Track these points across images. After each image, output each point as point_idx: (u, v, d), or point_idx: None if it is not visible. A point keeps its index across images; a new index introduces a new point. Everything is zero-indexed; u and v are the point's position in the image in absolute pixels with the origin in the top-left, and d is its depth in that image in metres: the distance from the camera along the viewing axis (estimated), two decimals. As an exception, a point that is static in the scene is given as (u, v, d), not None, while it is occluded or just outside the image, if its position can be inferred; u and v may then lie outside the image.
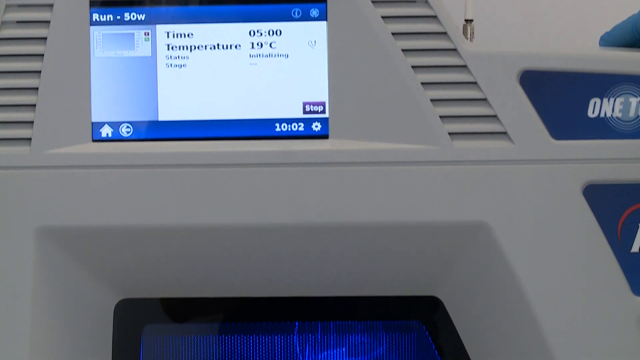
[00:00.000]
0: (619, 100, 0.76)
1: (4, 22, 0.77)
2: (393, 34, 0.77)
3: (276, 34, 0.78)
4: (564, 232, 0.77)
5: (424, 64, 0.77)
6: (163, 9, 0.79)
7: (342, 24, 0.78)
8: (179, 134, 0.79)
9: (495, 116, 0.77)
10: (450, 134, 0.77)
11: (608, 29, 0.83)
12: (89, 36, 0.78)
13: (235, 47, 0.78)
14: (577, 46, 0.81)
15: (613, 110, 0.77)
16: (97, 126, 0.78)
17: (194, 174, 0.78)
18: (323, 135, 0.79)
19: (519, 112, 0.77)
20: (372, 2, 0.77)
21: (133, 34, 0.78)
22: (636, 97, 0.77)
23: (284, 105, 0.78)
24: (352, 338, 0.89)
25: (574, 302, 0.78)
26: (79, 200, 0.78)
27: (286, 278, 0.84)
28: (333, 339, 0.89)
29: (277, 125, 0.79)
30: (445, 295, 0.85)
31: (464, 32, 0.87)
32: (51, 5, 0.77)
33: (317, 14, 0.78)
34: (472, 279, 0.81)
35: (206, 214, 0.78)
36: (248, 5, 0.79)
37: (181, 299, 0.87)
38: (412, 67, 0.77)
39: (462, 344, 0.85)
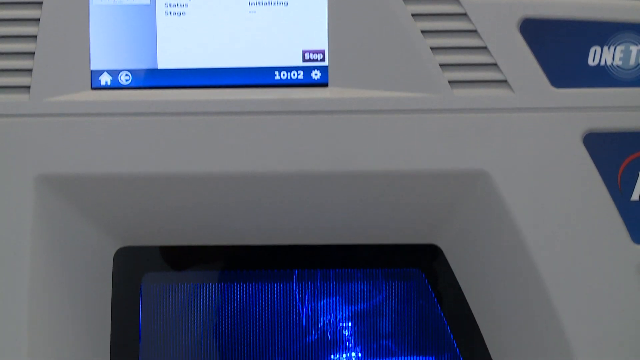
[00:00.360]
0: (619, 48, 0.78)
1: (2, -30, 0.79)
2: (393, -19, 0.79)
3: (275, -19, 0.80)
4: (564, 180, 0.79)
5: (424, 12, 0.78)
6: (163, -45, 0.81)
7: (342, -29, 0.79)
8: (178, 82, 0.80)
9: (495, 64, 0.78)
10: (450, 82, 0.78)
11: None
12: (88, -17, 0.80)
13: (235, -6, 0.80)
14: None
15: (613, 58, 0.78)
16: (96, 74, 0.80)
17: (193, 122, 0.79)
18: (322, 84, 0.80)
19: (519, 60, 0.78)
20: (372, -51, 0.79)
21: (132, -19, 0.80)
22: (637, 45, 0.78)
23: (283, 53, 0.80)
24: (351, 286, 0.91)
25: (573, 250, 0.79)
26: (78, 148, 0.79)
27: (285, 226, 0.86)
28: (332, 287, 0.91)
29: (277, 73, 0.80)
30: (444, 244, 0.87)
31: (464, -20, 0.89)
32: (50, -48, 0.79)
33: (317, -39, 0.80)
34: (472, 227, 0.83)
35: (205, 162, 0.79)
36: (248, -48, 0.81)
37: (181, 247, 0.89)
38: (412, 15, 0.78)
39: (462, 292, 0.86)
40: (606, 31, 0.78)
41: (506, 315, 0.84)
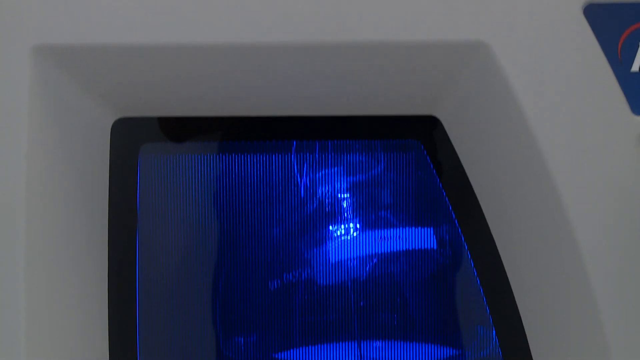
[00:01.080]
0: None
1: None
2: None
3: None
4: (564, 52, 0.81)
5: None
6: None
7: None
8: (175, -50, 0.80)
9: None
10: (450, -49, 0.79)
11: None
12: None
13: None
14: None
15: None
16: (92, -58, 0.80)
17: (190, -9, 0.80)
18: (320, -51, 0.80)
19: None
20: None
21: None
22: None
23: None
24: (350, 157, 0.95)
25: (573, 121, 0.81)
26: (75, 18, 0.80)
27: (284, 97, 0.88)
28: (331, 158, 0.95)
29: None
30: (443, 115, 0.90)
31: None
32: None
33: None
34: (471, 99, 0.86)
35: (203, 32, 0.81)
36: None
37: (178, 118, 0.92)
38: None
39: (460, 163, 0.90)
40: None
41: (504, 185, 0.87)
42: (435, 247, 0.96)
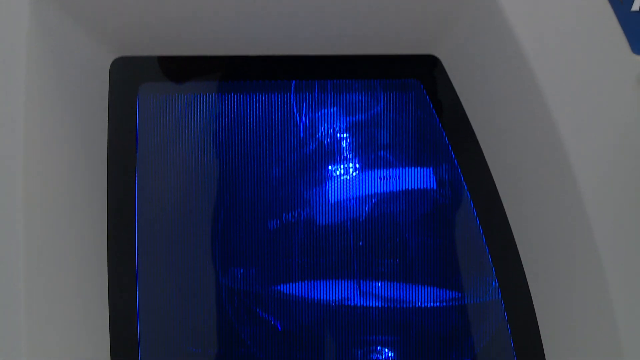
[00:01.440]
0: None
1: None
2: None
3: None
4: None
5: None
6: None
7: None
8: None
9: None
10: None
11: None
12: None
13: None
14: None
15: None
16: None
17: None
18: None
19: None
20: None
21: None
22: None
23: None
24: (349, 97, 0.96)
25: (573, 61, 0.82)
26: None
27: (283, 36, 0.88)
28: (330, 98, 0.96)
29: None
30: (443, 54, 0.89)
31: None
32: None
33: None
34: (471, 38, 0.86)
35: None
36: None
37: (178, 57, 0.91)
38: None
39: (460, 103, 0.90)
40: None
41: (504, 124, 0.87)
42: (434, 187, 0.97)
